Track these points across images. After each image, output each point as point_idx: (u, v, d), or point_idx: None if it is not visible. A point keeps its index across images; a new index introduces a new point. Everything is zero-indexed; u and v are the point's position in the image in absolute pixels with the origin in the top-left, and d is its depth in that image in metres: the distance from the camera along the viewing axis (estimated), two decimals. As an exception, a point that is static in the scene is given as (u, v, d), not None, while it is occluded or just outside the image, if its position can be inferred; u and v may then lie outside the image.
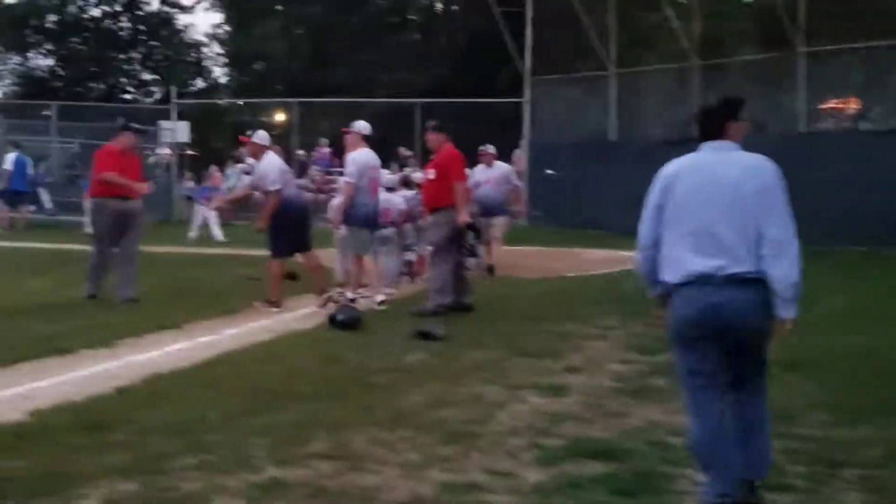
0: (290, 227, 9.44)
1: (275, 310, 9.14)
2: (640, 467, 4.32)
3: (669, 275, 3.87)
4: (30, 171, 19.99)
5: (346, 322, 7.93)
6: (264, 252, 9.62)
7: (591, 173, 17.92)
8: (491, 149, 12.56)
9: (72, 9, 47.32)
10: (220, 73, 46.77)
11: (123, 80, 48.31)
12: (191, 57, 48.07)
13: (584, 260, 13.88)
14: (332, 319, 8.09)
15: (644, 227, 4.00)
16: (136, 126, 10.65)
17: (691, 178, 3.91)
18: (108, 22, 48.19)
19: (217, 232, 18.62)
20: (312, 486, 4.14)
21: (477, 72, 30.98)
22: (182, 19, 47.00)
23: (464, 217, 8.99)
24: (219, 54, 44.67)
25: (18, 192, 19.54)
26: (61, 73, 47.06)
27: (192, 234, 18.28)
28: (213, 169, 24.74)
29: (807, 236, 4.13)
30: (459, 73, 31.41)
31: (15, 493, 4.02)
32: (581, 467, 4.35)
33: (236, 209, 22.78)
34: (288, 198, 9.44)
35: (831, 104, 17.28)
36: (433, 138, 9.57)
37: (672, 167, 4.00)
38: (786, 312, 3.74)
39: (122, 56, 48.08)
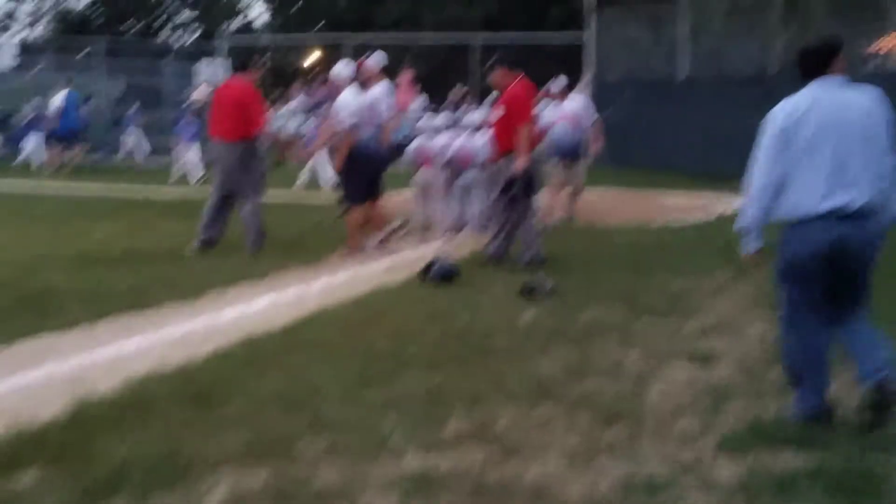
0: (367, 171, 8.87)
1: (358, 258, 8.60)
2: (849, 458, 3.69)
3: (797, 209, 3.90)
4: (81, 108, 19.38)
5: (442, 274, 7.32)
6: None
7: (661, 112, 17.04)
8: (562, 82, 11.47)
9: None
10: (258, 12, 46.04)
11: (161, 17, 47.82)
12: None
13: (665, 206, 13.13)
14: (425, 271, 7.48)
15: (764, 170, 3.97)
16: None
17: (819, 114, 3.91)
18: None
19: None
20: (469, 478, 3.56)
21: (526, 7, 29.98)
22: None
23: (520, 164, 8.17)
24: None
25: (72, 131, 18.97)
26: (98, 11, 46.55)
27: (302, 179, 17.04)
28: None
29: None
30: (509, 8, 30.39)
31: (129, 483, 3.47)
32: (776, 458, 3.73)
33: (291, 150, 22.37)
34: (367, 139, 8.82)
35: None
36: (499, 74, 8.70)
37: (793, 104, 3.99)
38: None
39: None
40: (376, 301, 6.80)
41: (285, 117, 23.44)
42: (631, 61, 18.65)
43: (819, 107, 3.94)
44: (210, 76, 23.50)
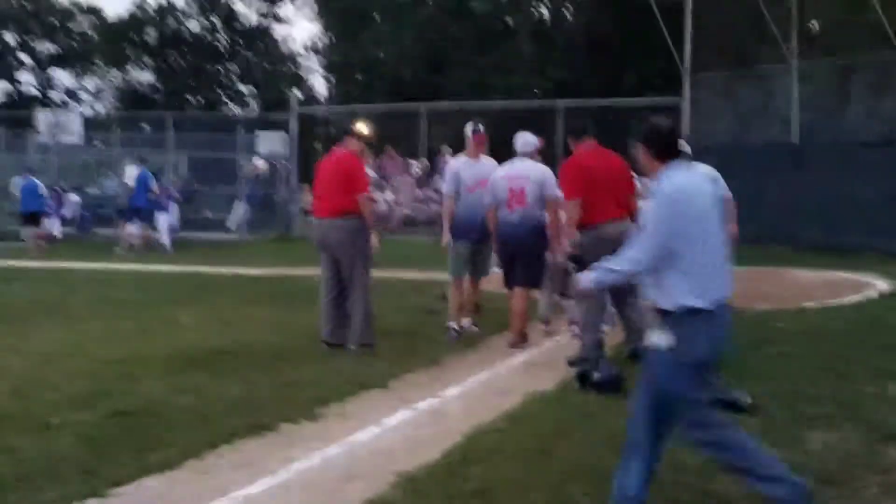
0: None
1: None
2: None
3: (694, 299, 3.72)
4: (153, 187, 18.60)
5: (608, 382, 6.07)
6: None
7: (772, 180, 15.72)
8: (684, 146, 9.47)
9: (170, 22, 47.07)
10: (318, 84, 45.85)
11: (219, 91, 47.86)
12: (288, 68, 47.37)
13: (799, 283, 11.79)
14: (582, 377, 6.24)
15: (649, 251, 3.79)
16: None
17: (699, 198, 3.82)
18: (206, 35, 47.86)
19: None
20: None
21: (600, 73, 29.09)
22: (279, 30, 46.28)
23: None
24: (321, 65, 43.78)
25: (139, 210, 18.21)
26: (160, 86, 46.76)
27: None
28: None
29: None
30: (582, 75, 29.51)
31: None
32: None
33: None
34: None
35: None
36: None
37: (678, 184, 3.83)
38: None
39: (219, 68, 47.73)
40: (537, 417, 5.56)
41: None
42: (734, 125, 17.43)
43: (697, 190, 3.84)
44: (268, 149, 22.79)
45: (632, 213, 6.91)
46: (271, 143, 22.88)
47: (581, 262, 7.55)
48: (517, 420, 5.50)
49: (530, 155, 8.00)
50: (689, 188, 3.80)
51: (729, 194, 7.84)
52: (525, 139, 8.04)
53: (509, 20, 33.71)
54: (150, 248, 18.20)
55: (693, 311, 3.68)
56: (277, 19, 47.85)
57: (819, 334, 8.19)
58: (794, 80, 16.46)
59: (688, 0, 18.02)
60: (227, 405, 5.89)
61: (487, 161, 8.39)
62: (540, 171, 7.89)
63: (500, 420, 5.51)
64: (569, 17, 32.89)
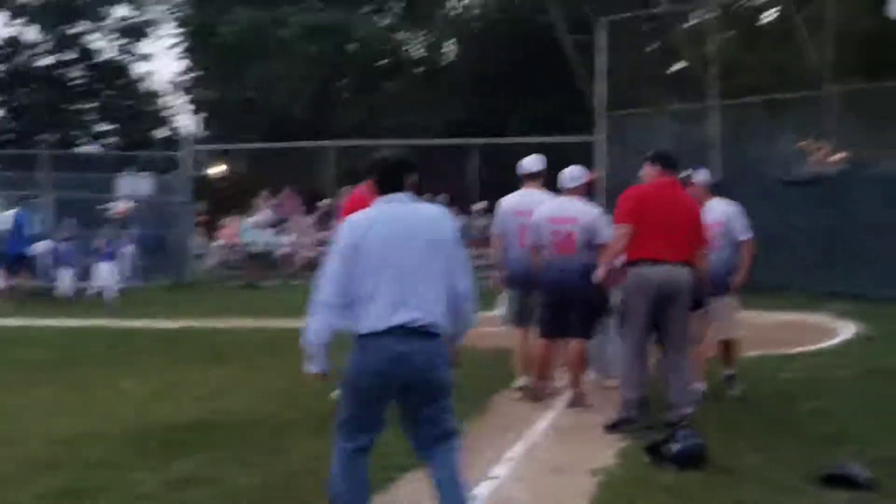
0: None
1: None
2: None
3: (364, 324, 3.86)
4: (35, 228, 16.80)
5: (688, 455, 5.30)
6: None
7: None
8: (702, 176, 7.44)
9: (21, 59, 44.29)
10: (186, 122, 43.94)
11: (77, 131, 45.25)
12: (153, 106, 45.29)
13: (755, 326, 11.42)
14: (654, 449, 5.47)
15: (330, 285, 3.94)
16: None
17: (385, 229, 3.92)
18: (62, 72, 45.27)
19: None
20: None
21: (490, 115, 28.73)
22: (142, 67, 44.36)
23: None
24: (188, 102, 41.99)
25: (18, 256, 16.38)
26: (11, 125, 43.83)
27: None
28: (228, 221, 21.95)
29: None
30: (473, 116, 29.07)
31: None
32: None
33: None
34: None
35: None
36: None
37: (363, 217, 4.03)
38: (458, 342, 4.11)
39: (75, 106, 45.15)
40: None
41: (251, 231, 21.36)
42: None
43: (385, 223, 3.94)
44: (132, 190, 21.26)
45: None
46: (135, 184, 21.39)
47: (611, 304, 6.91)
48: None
49: (579, 191, 7.22)
50: (373, 221, 3.97)
51: (745, 237, 7.34)
52: (573, 174, 7.26)
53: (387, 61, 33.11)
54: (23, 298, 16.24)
55: (355, 335, 3.89)
56: (139, 56, 45.75)
57: (835, 384, 7.73)
58: (716, 117, 16.43)
59: (600, 37, 17.80)
60: (245, 501, 4.84)
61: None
62: (591, 213, 7.10)
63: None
64: (455, 55, 32.53)
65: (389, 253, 3.87)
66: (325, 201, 21.70)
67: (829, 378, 8.08)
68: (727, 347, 7.39)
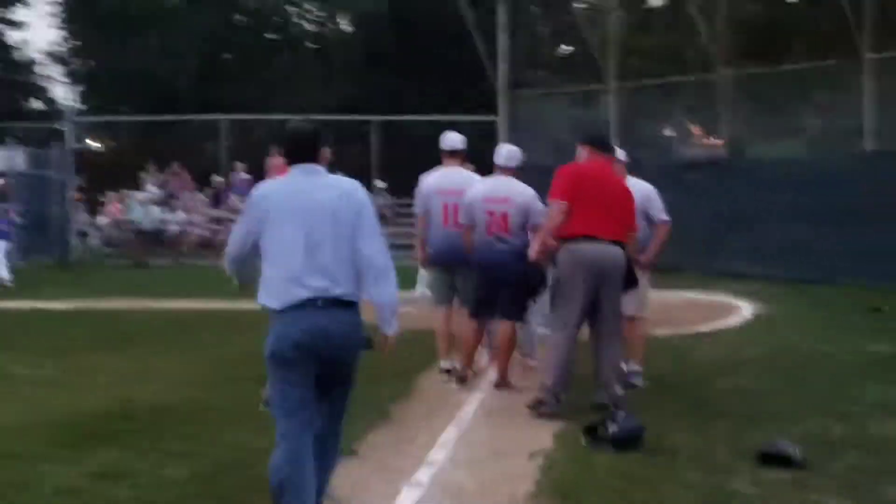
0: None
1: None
2: None
3: (272, 300, 3.88)
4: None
5: (626, 437, 5.28)
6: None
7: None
8: (621, 154, 7.18)
9: None
10: (63, 94, 42.07)
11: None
12: (28, 76, 43.17)
13: (662, 305, 11.62)
14: (592, 431, 5.44)
15: (233, 247, 4.06)
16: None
17: (289, 203, 3.92)
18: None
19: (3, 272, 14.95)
20: None
21: (385, 92, 28.44)
22: (13, 36, 42.22)
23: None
24: (65, 73, 40.13)
25: None
26: None
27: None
28: (113, 197, 21.08)
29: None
30: (367, 94, 28.70)
31: None
32: None
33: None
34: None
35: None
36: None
37: (266, 189, 4.07)
38: (390, 329, 3.99)
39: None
40: (584, 489, 4.67)
41: (139, 207, 20.51)
42: (552, 144, 17.29)
43: (290, 196, 3.94)
44: (5, 165, 20.17)
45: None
46: (9, 158, 20.26)
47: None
48: (567, 496, 4.58)
49: (514, 171, 7.08)
50: (280, 193, 3.97)
51: (662, 219, 7.32)
52: (510, 153, 7.14)
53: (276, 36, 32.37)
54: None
55: (271, 311, 3.89)
56: (11, 24, 43.46)
57: (749, 363, 7.92)
58: (612, 100, 16.62)
59: (501, 14, 17.76)
60: (175, 494, 4.59)
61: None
62: (526, 194, 6.96)
63: (544, 498, 4.58)
64: (348, 30, 32.04)
65: (298, 224, 3.86)
66: (217, 178, 21.13)
67: (741, 357, 8.28)
68: (631, 327, 7.02)
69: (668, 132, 16.35)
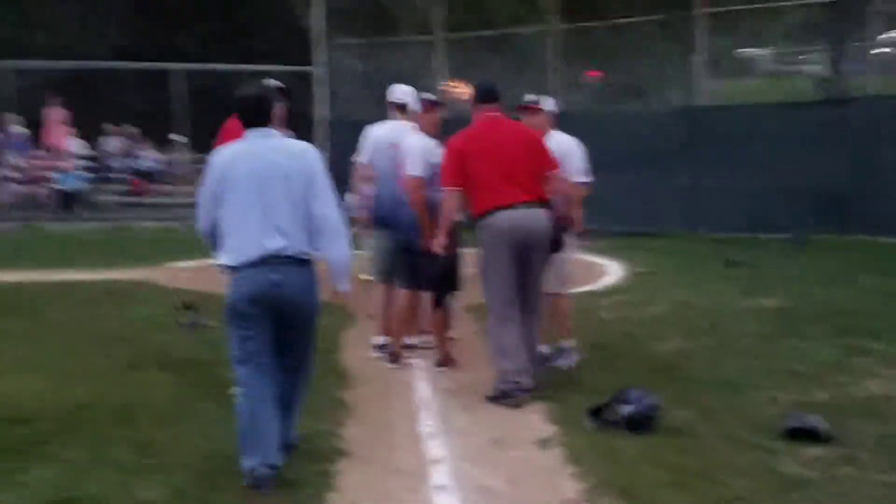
0: None
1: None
2: None
3: (231, 258, 4.05)
4: None
5: (639, 420, 4.83)
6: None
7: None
8: (549, 105, 6.60)
9: None
10: None
11: None
12: None
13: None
14: (596, 413, 4.96)
15: (203, 216, 4.17)
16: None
17: (246, 166, 4.06)
18: None
19: None
20: None
21: (154, 39, 26.29)
22: None
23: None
24: None
25: None
26: None
27: None
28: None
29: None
30: (136, 39, 26.38)
31: None
32: None
33: None
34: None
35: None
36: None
37: (225, 155, 4.17)
38: (344, 286, 4.19)
39: None
40: (628, 484, 4.17)
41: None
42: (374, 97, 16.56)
43: (247, 159, 4.07)
44: None
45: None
46: None
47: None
48: (624, 491, 4.07)
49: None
50: (236, 157, 4.09)
51: (582, 179, 6.75)
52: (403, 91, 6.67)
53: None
54: None
55: (229, 269, 4.06)
56: None
57: (662, 322, 7.74)
58: (441, 51, 16.12)
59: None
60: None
61: None
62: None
63: (600, 495, 4.05)
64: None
65: (253, 186, 4.01)
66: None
67: (649, 315, 8.07)
68: (556, 304, 6.41)
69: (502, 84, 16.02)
